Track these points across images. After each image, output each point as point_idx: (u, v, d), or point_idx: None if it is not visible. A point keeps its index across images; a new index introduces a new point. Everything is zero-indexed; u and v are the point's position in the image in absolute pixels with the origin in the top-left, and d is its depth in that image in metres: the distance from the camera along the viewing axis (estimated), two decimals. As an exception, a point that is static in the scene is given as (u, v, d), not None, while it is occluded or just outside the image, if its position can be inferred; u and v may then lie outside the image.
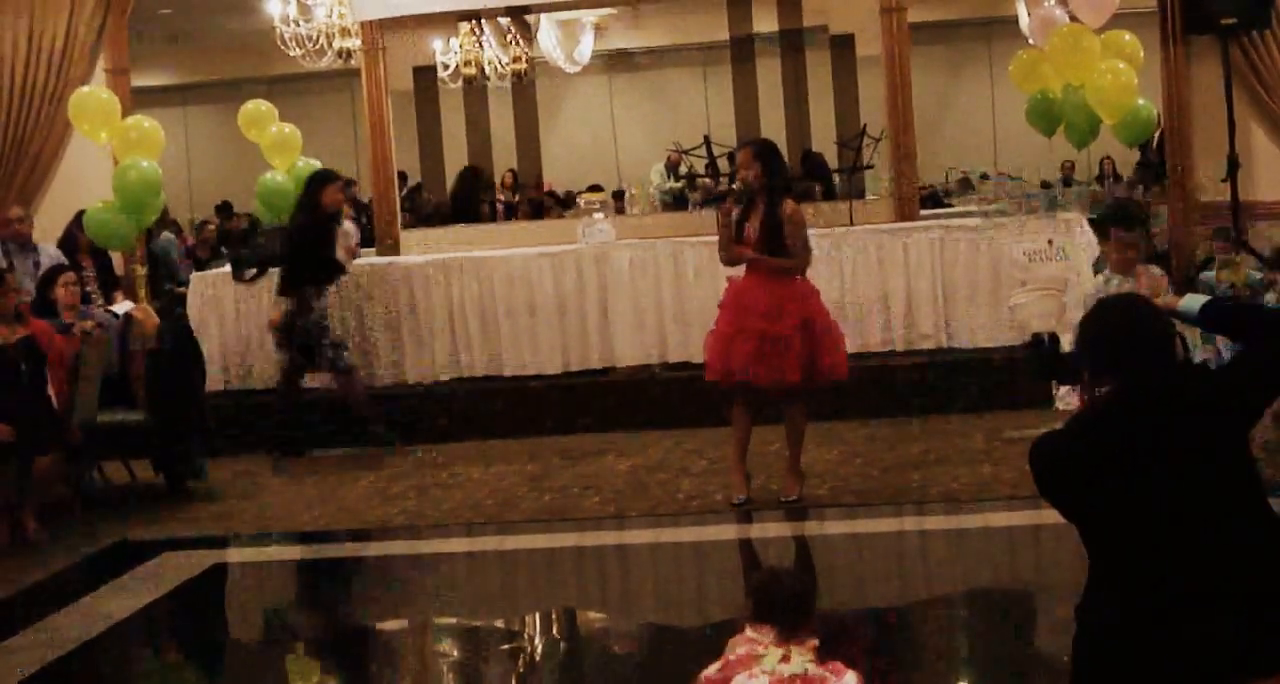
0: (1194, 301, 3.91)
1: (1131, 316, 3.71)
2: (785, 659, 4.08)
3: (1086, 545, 3.57)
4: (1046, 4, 10.91)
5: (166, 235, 12.35)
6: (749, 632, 4.16)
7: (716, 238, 7.46)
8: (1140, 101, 10.09)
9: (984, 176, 15.51)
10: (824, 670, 4.09)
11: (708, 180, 13.05)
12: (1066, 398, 6.76)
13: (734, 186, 7.20)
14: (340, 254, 9.52)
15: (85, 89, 10.72)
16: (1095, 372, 3.71)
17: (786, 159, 8.83)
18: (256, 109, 11.43)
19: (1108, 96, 9.86)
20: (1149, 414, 3.55)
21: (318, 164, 11.91)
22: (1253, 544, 3.47)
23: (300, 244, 9.47)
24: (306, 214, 9.51)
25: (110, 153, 10.66)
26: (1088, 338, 3.74)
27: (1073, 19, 10.40)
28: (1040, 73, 10.48)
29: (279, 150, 11.27)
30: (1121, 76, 9.85)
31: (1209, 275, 6.41)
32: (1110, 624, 3.51)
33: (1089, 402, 3.75)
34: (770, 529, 7.27)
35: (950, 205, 13.21)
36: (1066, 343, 4.39)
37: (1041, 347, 4.52)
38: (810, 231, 7.57)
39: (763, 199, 7.23)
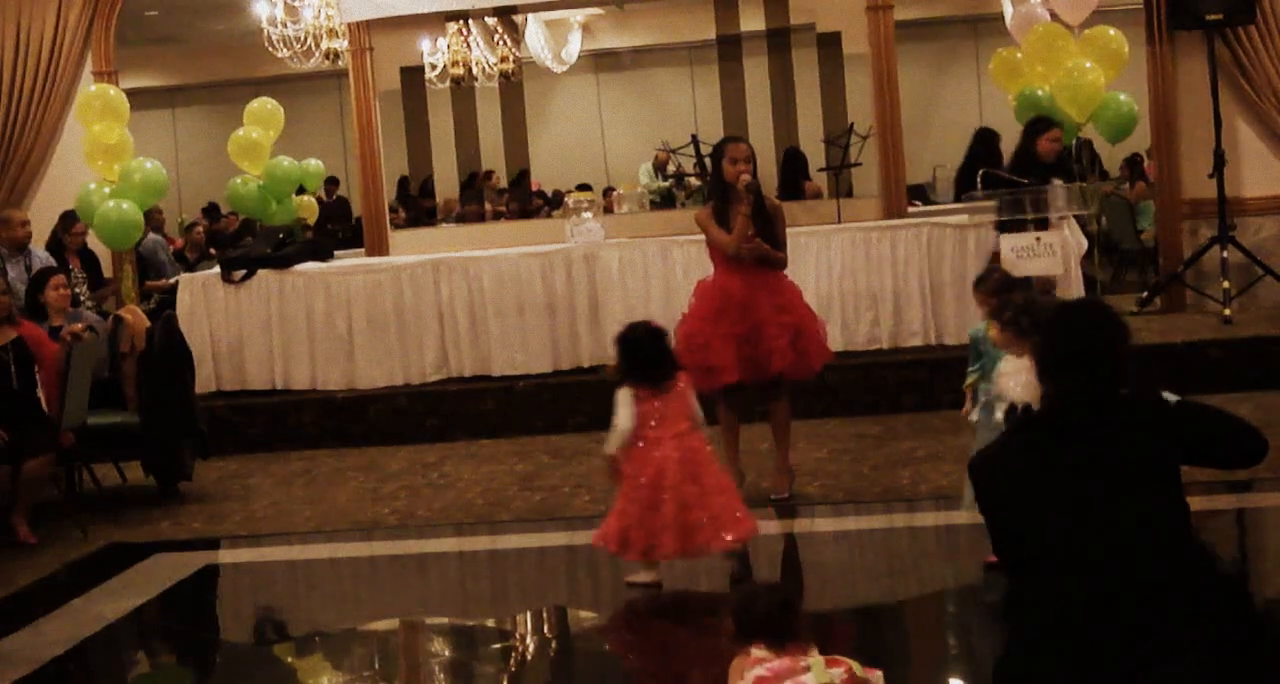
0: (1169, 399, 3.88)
1: (1076, 327, 3.71)
2: (835, 663, 3.97)
3: (1014, 552, 3.66)
4: (1030, 1, 10.94)
5: (154, 236, 12.33)
6: (754, 652, 4.01)
7: (706, 235, 7.47)
8: (1122, 97, 10.12)
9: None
10: (868, 674, 4.03)
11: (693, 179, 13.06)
12: None
13: (748, 180, 7.18)
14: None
15: (91, 88, 10.77)
16: (1039, 374, 3.73)
17: (773, 157, 8.85)
18: (263, 107, 11.46)
19: (1075, 95, 9.91)
20: (1073, 427, 3.57)
21: (317, 163, 11.97)
22: (1164, 551, 3.47)
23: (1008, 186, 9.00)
24: (1019, 160, 9.14)
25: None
26: (1040, 341, 3.81)
27: (1053, 16, 10.43)
28: (1019, 71, 10.52)
29: (247, 154, 11.30)
30: (1089, 75, 9.89)
31: (978, 328, 6.43)
32: (1034, 629, 3.54)
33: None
34: (761, 527, 7.27)
35: (935, 203, 13.22)
36: None
37: (1015, 417, 4.56)
38: (797, 229, 7.61)
39: (748, 196, 7.26)
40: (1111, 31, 10.22)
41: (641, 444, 6.06)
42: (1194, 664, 3.40)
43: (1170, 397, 3.86)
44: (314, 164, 11.96)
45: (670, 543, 5.96)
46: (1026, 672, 3.55)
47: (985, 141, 10.31)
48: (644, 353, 6.12)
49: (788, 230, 7.54)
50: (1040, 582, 3.56)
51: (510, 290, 10.06)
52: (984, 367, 6.33)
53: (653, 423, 6.05)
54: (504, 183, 14.36)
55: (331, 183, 16.05)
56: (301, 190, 12.27)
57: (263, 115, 11.42)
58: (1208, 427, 3.68)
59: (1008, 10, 11.77)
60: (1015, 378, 5.15)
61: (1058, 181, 9.17)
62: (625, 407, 6.08)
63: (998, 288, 6.43)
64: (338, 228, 14.97)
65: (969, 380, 6.26)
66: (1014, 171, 9.06)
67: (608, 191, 13.38)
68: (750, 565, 6.91)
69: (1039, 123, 9.31)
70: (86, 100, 10.59)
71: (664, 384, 6.07)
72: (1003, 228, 8.74)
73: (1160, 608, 3.43)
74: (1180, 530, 3.54)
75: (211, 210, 17.53)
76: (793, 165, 12.18)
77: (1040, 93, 10.37)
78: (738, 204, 7.21)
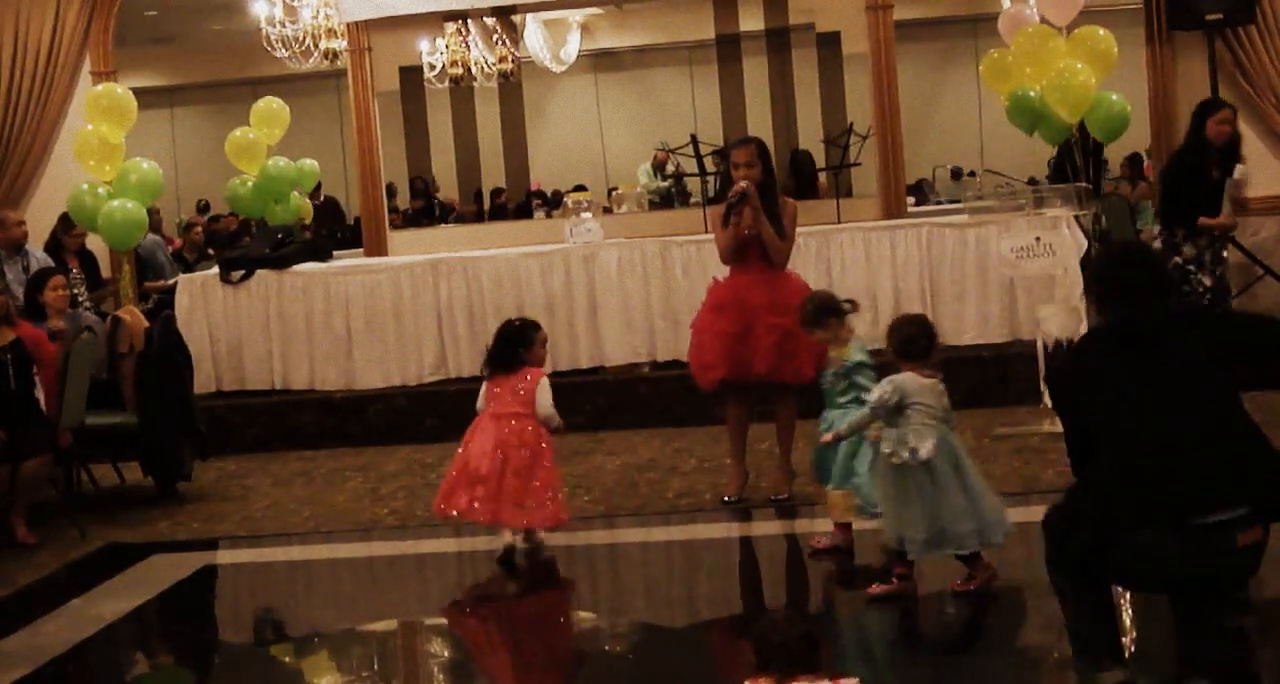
0: None
1: (1128, 257, 4.54)
2: None
3: (1088, 442, 4.39)
4: (1026, 2, 10.94)
5: (152, 237, 12.31)
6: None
7: (715, 237, 7.47)
8: (1114, 97, 10.11)
9: (970, 174, 15.55)
10: None
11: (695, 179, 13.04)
12: None
13: (744, 187, 7.17)
14: (1226, 205, 8.86)
15: (98, 88, 10.75)
16: (1098, 303, 4.51)
17: (774, 157, 8.80)
18: (268, 107, 11.45)
19: (1066, 96, 9.90)
20: (1143, 328, 4.35)
21: (313, 163, 11.95)
22: (1222, 414, 4.31)
23: (1176, 172, 8.75)
24: (1189, 145, 8.85)
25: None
26: (1094, 274, 4.57)
27: (1042, 19, 10.42)
28: (1009, 73, 10.52)
29: (244, 154, 11.30)
30: (1079, 76, 9.88)
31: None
32: (1102, 477, 4.29)
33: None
34: (760, 527, 7.27)
35: (938, 203, 13.23)
36: None
37: (1062, 352, 4.91)
38: (797, 229, 7.63)
39: (757, 194, 7.26)
40: (1100, 32, 10.19)
41: (479, 420, 6.90)
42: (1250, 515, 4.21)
43: None
44: (309, 164, 11.93)
45: (484, 508, 6.71)
46: (1109, 524, 4.24)
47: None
48: (494, 345, 6.96)
49: (796, 230, 7.57)
50: (1124, 456, 4.26)
51: (509, 290, 10.05)
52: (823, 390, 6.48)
53: (491, 405, 6.85)
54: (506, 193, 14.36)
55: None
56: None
57: (268, 115, 11.42)
58: (1255, 329, 4.54)
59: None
60: (1056, 319, 5.30)
61: (1240, 170, 8.94)
62: (482, 389, 6.95)
63: (812, 316, 6.49)
64: (333, 228, 14.94)
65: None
66: (1186, 157, 8.70)
67: (610, 191, 13.38)
68: (759, 569, 6.91)
69: (1207, 105, 9.01)
70: (94, 98, 10.55)
71: (497, 373, 6.86)
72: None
73: (1226, 471, 4.22)
74: (1241, 412, 4.38)
75: (203, 207, 17.50)
76: (801, 166, 12.21)
77: (1032, 94, 10.38)
78: (737, 211, 7.24)
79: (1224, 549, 4.18)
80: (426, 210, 13.23)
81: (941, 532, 5.64)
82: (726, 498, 7.44)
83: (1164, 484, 4.19)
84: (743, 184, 7.18)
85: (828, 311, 6.47)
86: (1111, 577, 4.44)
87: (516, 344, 6.87)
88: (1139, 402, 4.28)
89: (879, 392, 5.72)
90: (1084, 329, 4.85)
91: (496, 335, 6.96)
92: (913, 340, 5.76)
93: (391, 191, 13.01)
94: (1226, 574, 4.30)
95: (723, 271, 7.56)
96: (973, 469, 5.77)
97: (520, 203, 14.19)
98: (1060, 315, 5.37)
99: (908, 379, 5.69)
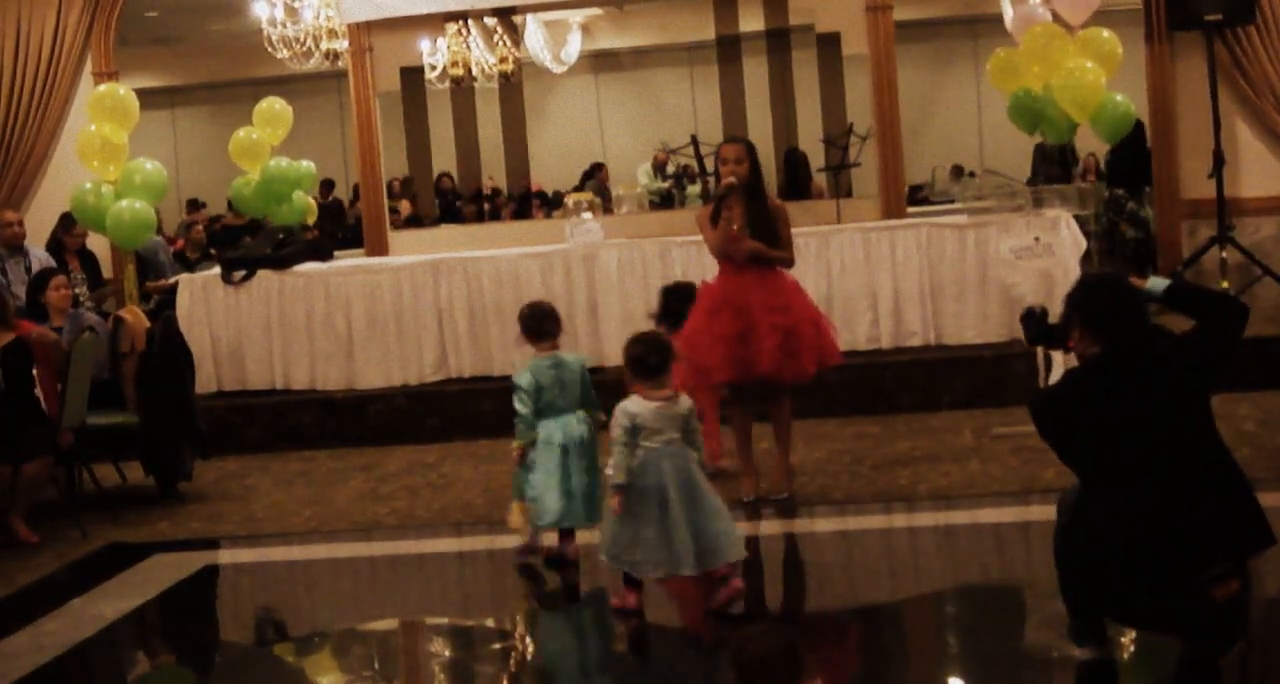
0: (1158, 284, 4.82)
1: (1115, 289, 4.67)
2: None
3: (1077, 472, 4.61)
4: (1031, 1, 10.94)
5: (154, 237, 12.32)
6: None
7: (702, 236, 7.48)
8: (1118, 97, 10.13)
9: (971, 174, 15.57)
10: None
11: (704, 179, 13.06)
12: (1065, 363, 6.78)
13: (732, 181, 7.20)
14: None
15: (101, 88, 10.76)
16: (1085, 333, 4.61)
17: (773, 157, 8.86)
18: (270, 107, 11.46)
19: (1076, 95, 9.92)
20: (1130, 366, 4.51)
21: (310, 165, 11.97)
22: (1207, 464, 4.46)
23: None
24: None
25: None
26: (1081, 306, 4.65)
27: (1055, 17, 10.43)
28: (1017, 72, 10.53)
29: (248, 154, 11.31)
30: (1089, 75, 9.89)
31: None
32: (1095, 530, 4.46)
33: (1080, 359, 4.69)
34: (760, 527, 7.27)
35: (935, 202, 13.24)
36: (1053, 315, 5.13)
37: (1034, 317, 5.24)
38: (796, 230, 7.63)
39: (745, 195, 7.27)
40: (1105, 33, 10.22)
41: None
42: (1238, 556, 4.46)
43: (1160, 281, 4.84)
44: (305, 165, 11.94)
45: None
46: (1100, 562, 4.46)
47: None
48: (667, 302, 7.83)
49: (793, 230, 7.57)
50: (1112, 493, 4.45)
51: (510, 290, 10.06)
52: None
53: None
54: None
55: (327, 185, 16.03)
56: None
57: (271, 116, 11.43)
58: (1205, 334, 4.67)
59: (1006, 11, 11.78)
60: (1027, 285, 5.33)
61: None
62: None
63: (527, 327, 6.62)
64: (334, 229, 14.95)
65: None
66: None
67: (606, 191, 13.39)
68: (761, 568, 6.92)
69: None
70: (97, 99, 10.57)
71: (674, 330, 7.36)
72: None
73: (1210, 535, 4.40)
74: (1220, 449, 4.54)
75: (192, 204, 17.51)
76: (796, 166, 12.22)
77: (1033, 94, 10.38)
78: (727, 206, 7.25)
79: (1203, 605, 4.42)
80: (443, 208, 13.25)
81: (616, 557, 5.67)
82: (745, 498, 7.40)
83: (1151, 554, 4.39)
84: (730, 179, 7.20)
85: (545, 317, 6.62)
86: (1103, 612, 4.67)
87: (686, 299, 7.57)
88: (1126, 453, 4.45)
89: (615, 424, 5.71)
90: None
91: (667, 295, 7.87)
92: (640, 360, 5.73)
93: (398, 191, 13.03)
94: (1210, 625, 4.47)
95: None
96: (693, 495, 5.66)
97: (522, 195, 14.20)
98: (1031, 281, 5.39)
99: (630, 404, 5.70)
